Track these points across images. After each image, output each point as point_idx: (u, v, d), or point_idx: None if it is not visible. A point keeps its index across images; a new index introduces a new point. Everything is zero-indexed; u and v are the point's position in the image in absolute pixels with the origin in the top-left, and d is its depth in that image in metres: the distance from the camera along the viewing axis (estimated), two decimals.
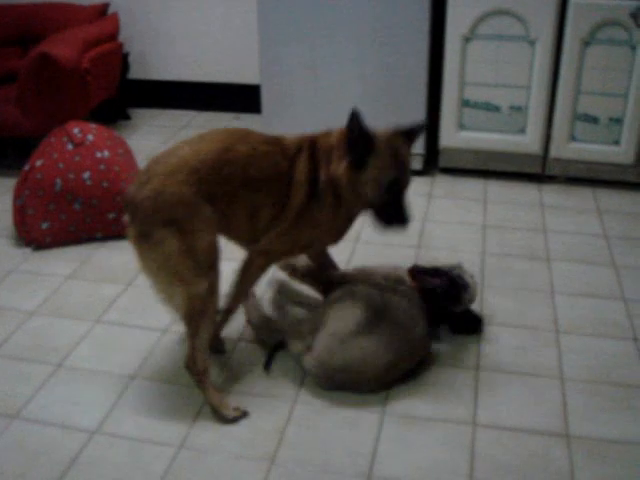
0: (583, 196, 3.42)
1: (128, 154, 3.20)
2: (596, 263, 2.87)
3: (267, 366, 2.31)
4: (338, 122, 2.43)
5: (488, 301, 2.63)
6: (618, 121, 3.28)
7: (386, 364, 2.16)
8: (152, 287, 2.15)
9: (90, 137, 3.01)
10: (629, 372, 2.29)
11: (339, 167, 2.12)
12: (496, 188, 3.50)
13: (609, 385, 2.23)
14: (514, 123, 3.40)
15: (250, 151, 2.16)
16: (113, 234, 3.04)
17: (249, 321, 2.46)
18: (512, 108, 3.38)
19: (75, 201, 2.95)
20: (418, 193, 3.45)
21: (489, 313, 2.56)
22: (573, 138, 3.37)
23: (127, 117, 4.41)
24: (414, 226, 3.13)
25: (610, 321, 2.52)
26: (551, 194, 3.44)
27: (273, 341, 2.36)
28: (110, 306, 2.64)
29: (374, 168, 2.08)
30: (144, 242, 2.06)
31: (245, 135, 2.22)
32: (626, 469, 1.95)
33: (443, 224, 3.18)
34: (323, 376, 2.18)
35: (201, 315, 2.09)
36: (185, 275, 2.06)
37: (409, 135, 2.17)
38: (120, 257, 2.94)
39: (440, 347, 2.40)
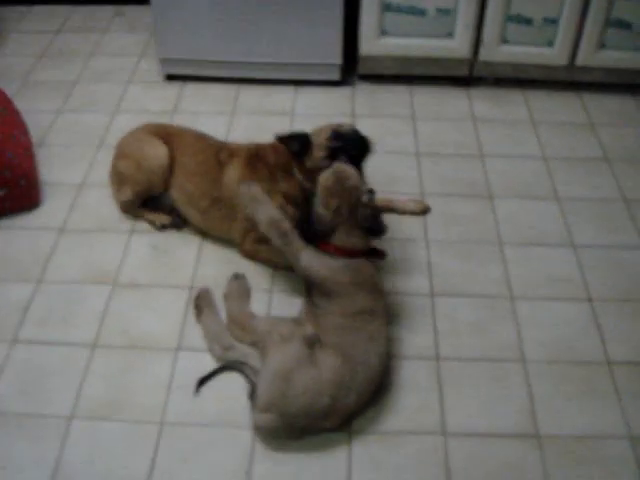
0: (514, 102, 3.21)
1: (9, 108, 2.71)
2: (539, 197, 2.74)
3: (200, 383, 2.10)
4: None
5: (436, 263, 2.49)
6: (553, 21, 3.01)
7: (341, 386, 1.96)
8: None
9: None
10: (588, 344, 2.24)
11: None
12: (422, 98, 3.23)
13: (570, 365, 2.18)
14: (441, 27, 3.07)
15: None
16: (6, 211, 2.64)
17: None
18: (439, 11, 3.03)
19: None
20: (339, 112, 3.14)
21: (440, 280, 2.43)
22: (504, 40, 3.09)
23: None
24: None
25: (563, 276, 2.44)
26: (481, 101, 3.21)
27: (224, 359, 2.16)
28: (24, 317, 2.31)
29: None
30: None
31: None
32: (597, 466, 1.94)
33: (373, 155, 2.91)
34: (284, 426, 1.95)
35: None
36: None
37: None
38: (21, 242, 2.57)
39: (394, 329, 2.27)
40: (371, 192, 2.16)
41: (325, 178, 2.15)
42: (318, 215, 2.12)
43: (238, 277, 2.39)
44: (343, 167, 2.16)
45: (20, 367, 2.18)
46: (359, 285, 2.09)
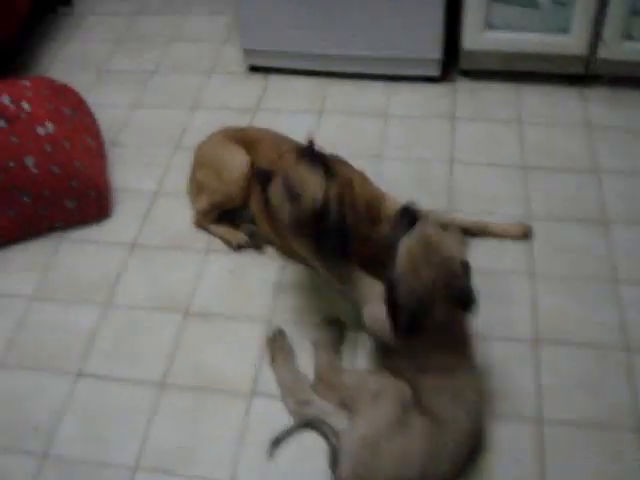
0: (637, 106, 2.82)
1: (80, 109, 2.53)
2: None
3: (275, 444, 1.90)
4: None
5: (541, 302, 2.20)
6: None
7: (432, 455, 1.72)
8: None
9: (26, 106, 2.32)
10: None
11: None
12: (530, 98, 2.87)
13: None
14: (556, 20, 2.70)
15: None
16: (75, 222, 2.49)
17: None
18: (555, 2, 2.66)
19: (22, 194, 2.34)
20: (438, 113, 2.84)
21: (544, 322, 2.14)
22: (629, 36, 2.70)
23: (67, 1, 3.53)
24: (438, 173, 2.61)
25: None
26: (597, 104, 2.83)
27: (298, 414, 1.95)
28: (90, 347, 2.17)
29: None
30: None
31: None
32: None
33: (473, 167, 2.61)
34: None
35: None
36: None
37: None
38: (89, 258, 2.42)
39: (489, 383, 2.01)
40: (467, 265, 1.76)
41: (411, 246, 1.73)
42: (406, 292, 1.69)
43: (331, 323, 2.12)
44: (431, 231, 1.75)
45: (84, 406, 2.04)
46: (432, 347, 1.79)
